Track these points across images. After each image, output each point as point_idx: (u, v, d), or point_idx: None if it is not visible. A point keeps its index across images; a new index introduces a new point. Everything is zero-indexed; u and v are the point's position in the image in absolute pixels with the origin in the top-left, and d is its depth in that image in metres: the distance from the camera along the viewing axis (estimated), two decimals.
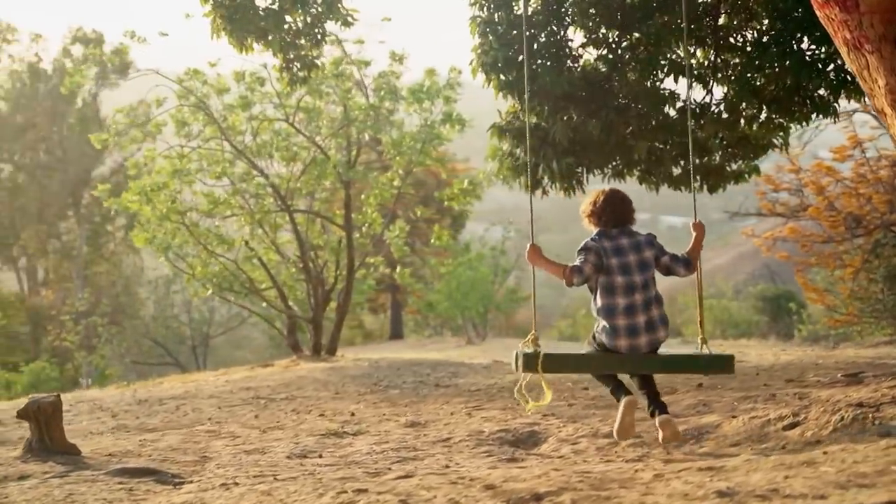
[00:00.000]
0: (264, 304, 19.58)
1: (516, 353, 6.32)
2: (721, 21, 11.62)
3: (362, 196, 18.94)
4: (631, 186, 11.99)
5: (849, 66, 7.23)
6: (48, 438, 6.29)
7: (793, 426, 6.42)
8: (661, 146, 11.71)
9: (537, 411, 6.97)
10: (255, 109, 17.42)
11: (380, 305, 40.20)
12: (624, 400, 6.38)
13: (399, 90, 17.35)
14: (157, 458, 6.32)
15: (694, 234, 6.77)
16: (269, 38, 10.67)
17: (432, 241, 20.62)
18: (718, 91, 11.61)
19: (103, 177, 40.64)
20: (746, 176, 12.31)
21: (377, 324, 44.41)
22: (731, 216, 23.42)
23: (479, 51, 11.01)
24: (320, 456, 6.36)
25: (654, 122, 11.32)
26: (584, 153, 11.20)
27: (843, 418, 6.13)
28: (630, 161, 11.62)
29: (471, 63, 11.20)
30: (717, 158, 12.13)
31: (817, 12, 7.09)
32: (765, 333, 28.96)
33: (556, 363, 6.38)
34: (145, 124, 17.85)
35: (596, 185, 12.36)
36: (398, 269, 21.30)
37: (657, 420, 6.28)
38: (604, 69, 11.11)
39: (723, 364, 6.52)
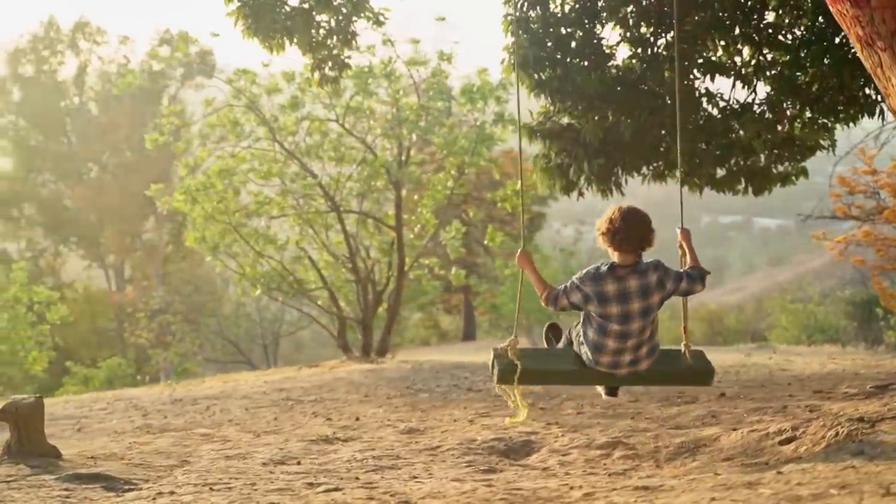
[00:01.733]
0: (319, 303, 19.66)
1: (493, 360, 6.15)
2: (771, 18, 11.27)
3: (415, 197, 18.91)
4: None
5: (864, 63, 6.91)
6: (27, 441, 6.27)
7: (789, 441, 6.15)
8: (703, 147, 11.40)
9: (513, 425, 6.70)
10: (305, 109, 17.44)
11: (453, 306, 40.01)
12: None
13: (450, 90, 17.26)
14: (133, 463, 6.27)
15: (684, 243, 6.36)
16: (296, 38, 10.59)
17: (486, 241, 20.40)
18: (763, 91, 11.27)
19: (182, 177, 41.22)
20: (794, 178, 11.88)
21: (454, 324, 44.20)
22: (803, 219, 22.76)
23: (510, 49, 10.85)
24: (298, 463, 6.26)
25: (690, 123, 11.03)
26: (618, 154, 10.94)
27: (837, 434, 5.84)
28: (668, 162, 11.33)
29: (502, 62, 11.07)
30: (763, 160, 11.73)
31: (830, 8, 6.79)
32: (851, 339, 28.13)
33: (534, 378, 6.21)
34: (189, 125, 18.03)
35: (634, 187, 12.17)
36: (454, 270, 21.08)
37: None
38: (638, 68, 10.84)
39: (702, 378, 6.24)
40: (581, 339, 6.03)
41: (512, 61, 10.78)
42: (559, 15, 10.97)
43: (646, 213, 5.96)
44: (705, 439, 6.64)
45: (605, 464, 6.22)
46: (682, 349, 6.18)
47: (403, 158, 17.84)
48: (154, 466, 6.13)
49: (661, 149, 11.28)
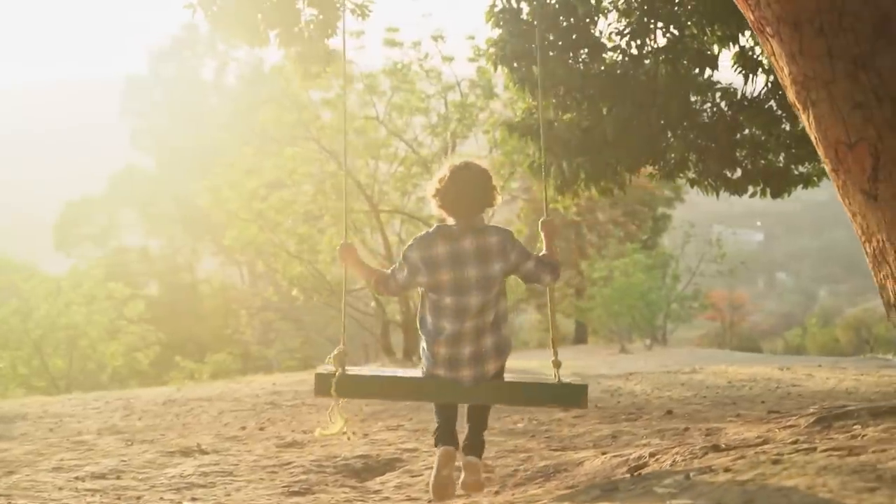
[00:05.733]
0: (373, 305, 19.41)
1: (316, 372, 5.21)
2: None
3: None
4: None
5: (765, 51, 6.23)
6: None
7: (638, 468, 5.54)
8: (713, 145, 10.70)
9: (326, 440, 6.06)
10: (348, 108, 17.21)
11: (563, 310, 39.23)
12: (440, 450, 5.01)
13: (494, 87, 16.75)
14: None
15: (543, 236, 5.13)
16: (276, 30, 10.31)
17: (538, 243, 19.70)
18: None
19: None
20: (815, 179, 11.05)
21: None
22: None
23: (491, 42, 10.41)
24: (118, 477, 5.97)
25: (687, 119, 10.36)
26: (607, 151, 10.33)
27: (673, 464, 5.23)
28: (667, 160, 10.67)
29: (481, 54, 10.66)
30: (783, 160, 10.95)
31: None
32: None
33: (355, 387, 5.12)
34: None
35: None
36: None
37: (463, 460, 5.06)
38: (622, 60, 10.22)
39: (573, 398, 5.18)
40: (420, 331, 5.02)
41: (490, 54, 10.37)
42: (556, 6, 10.45)
43: (482, 169, 4.97)
44: (569, 464, 6.07)
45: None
46: (552, 365, 5.14)
47: (448, 155, 17.43)
48: None
49: (665, 145, 10.63)
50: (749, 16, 6.04)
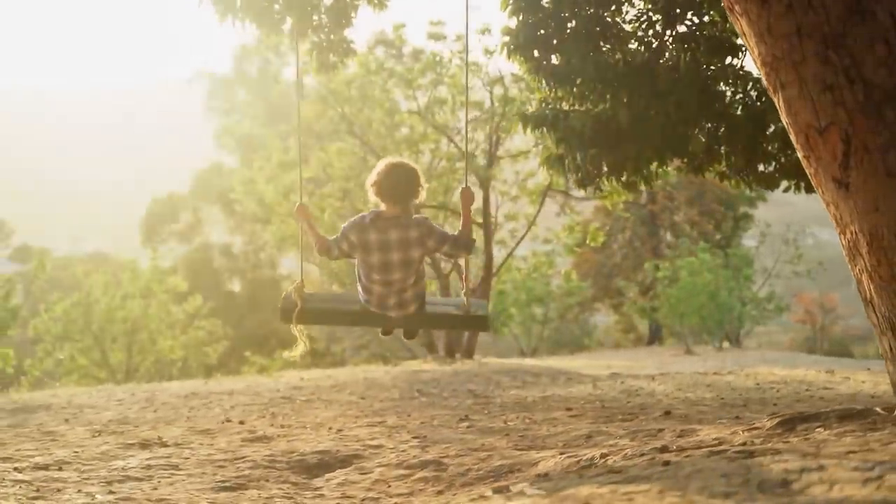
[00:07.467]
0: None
1: (281, 301, 6.53)
2: None
3: (512, 193, 18.14)
4: None
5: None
6: None
7: (588, 467, 5.27)
8: (739, 137, 10.30)
9: (293, 360, 6.90)
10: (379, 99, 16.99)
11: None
12: None
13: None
14: None
15: (461, 206, 6.52)
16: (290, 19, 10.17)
17: (587, 241, 19.26)
18: None
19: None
20: None
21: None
22: None
23: (507, 30, 10.15)
24: (60, 469, 5.84)
25: (711, 109, 9.97)
26: (626, 144, 9.98)
27: (615, 462, 4.98)
28: (689, 153, 10.28)
29: (499, 45, 10.38)
30: None
31: None
32: None
33: (313, 316, 6.58)
34: None
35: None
36: (563, 270, 20.14)
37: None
38: (640, 48, 9.88)
39: (478, 324, 6.98)
40: (356, 278, 6.42)
41: (504, 43, 10.12)
42: None
43: (413, 168, 6.31)
44: (525, 464, 5.79)
45: (388, 486, 5.53)
46: (463, 297, 6.64)
47: (491, 153, 17.12)
48: None
49: (690, 135, 10.25)
50: None
